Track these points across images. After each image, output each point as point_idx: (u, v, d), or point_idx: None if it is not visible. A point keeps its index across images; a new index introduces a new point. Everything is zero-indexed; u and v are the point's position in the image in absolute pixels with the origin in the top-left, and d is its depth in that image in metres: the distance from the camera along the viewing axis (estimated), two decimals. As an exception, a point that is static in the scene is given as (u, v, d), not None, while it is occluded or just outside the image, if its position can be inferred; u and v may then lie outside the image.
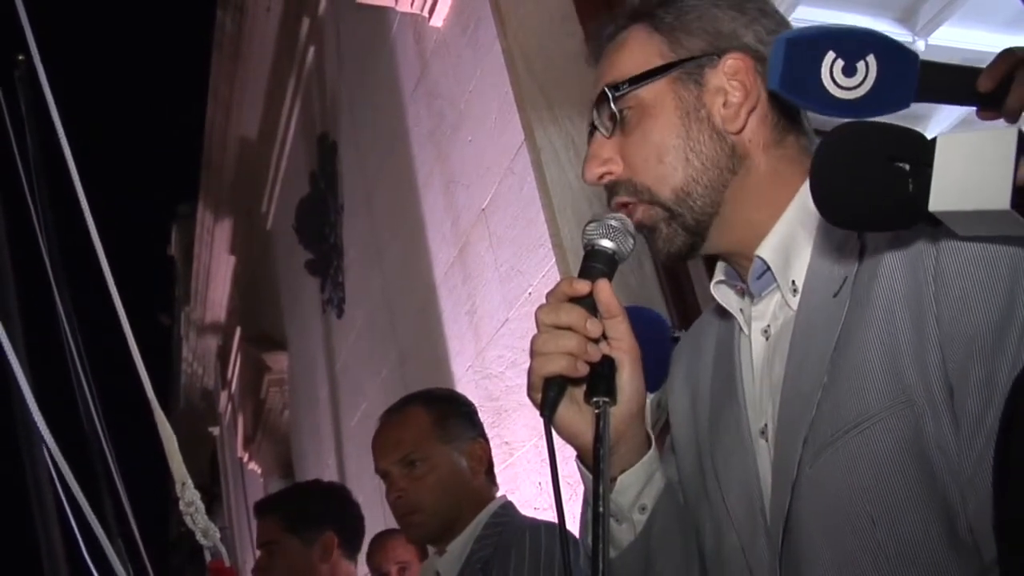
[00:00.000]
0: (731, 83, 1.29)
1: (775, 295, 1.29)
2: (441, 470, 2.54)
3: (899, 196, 1.01)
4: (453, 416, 2.64)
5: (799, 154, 1.31)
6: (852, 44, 1.17)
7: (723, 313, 1.40)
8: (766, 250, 1.28)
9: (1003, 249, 1.04)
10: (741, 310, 1.35)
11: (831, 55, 1.16)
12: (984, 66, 1.12)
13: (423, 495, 2.51)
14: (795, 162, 1.30)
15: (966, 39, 4.64)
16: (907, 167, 1.00)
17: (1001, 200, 0.94)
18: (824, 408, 1.15)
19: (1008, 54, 1.11)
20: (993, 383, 1.03)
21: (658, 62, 1.31)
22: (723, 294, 1.37)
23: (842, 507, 1.12)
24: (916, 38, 4.57)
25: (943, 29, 4.54)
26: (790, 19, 4.45)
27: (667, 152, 1.29)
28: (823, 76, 1.16)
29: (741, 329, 1.35)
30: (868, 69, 1.16)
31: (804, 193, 1.25)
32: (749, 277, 1.31)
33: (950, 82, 1.16)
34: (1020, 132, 0.95)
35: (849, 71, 1.16)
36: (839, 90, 1.15)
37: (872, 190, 1.02)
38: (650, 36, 1.34)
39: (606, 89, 1.32)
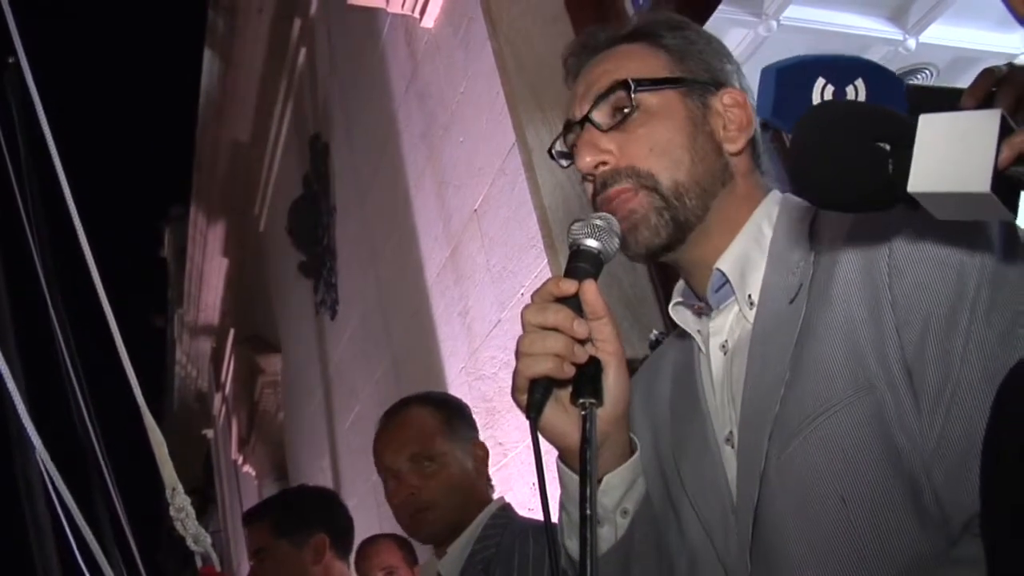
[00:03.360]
0: (728, 113, 1.36)
1: (732, 308, 1.33)
2: (451, 468, 2.53)
3: (878, 176, 0.99)
4: (457, 417, 2.65)
5: (760, 184, 1.40)
6: (841, 70, 1.19)
7: (681, 335, 1.43)
8: (724, 263, 1.32)
9: (954, 234, 1.11)
10: (699, 331, 1.38)
11: (821, 81, 1.18)
12: (978, 65, 1.14)
13: (435, 493, 2.50)
14: (759, 189, 1.39)
15: (957, 37, 4.64)
16: (887, 147, 0.99)
17: (981, 183, 0.92)
18: (789, 402, 1.19)
19: (988, 73, 1.12)
20: (949, 360, 1.09)
21: (667, 74, 1.36)
22: (681, 315, 1.41)
23: (813, 489, 1.15)
24: (907, 36, 4.57)
25: (934, 27, 4.54)
26: (781, 18, 4.42)
27: (674, 149, 1.33)
28: (815, 101, 1.17)
29: (700, 349, 1.38)
30: (857, 93, 1.17)
31: (758, 216, 1.35)
32: (708, 290, 1.35)
33: (935, 103, 1.16)
34: (1003, 115, 0.93)
35: (839, 96, 1.17)
36: None
37: (851, 170, 1.01)
38: (656, 51, 1.39)
39: (630, 81, 1.34)
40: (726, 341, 1.33)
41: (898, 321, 1.13)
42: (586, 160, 1.35)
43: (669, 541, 1.38)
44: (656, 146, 1.32)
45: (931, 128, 0.96)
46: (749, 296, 1.30)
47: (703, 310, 1.37)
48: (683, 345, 1.44)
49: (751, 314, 1.29)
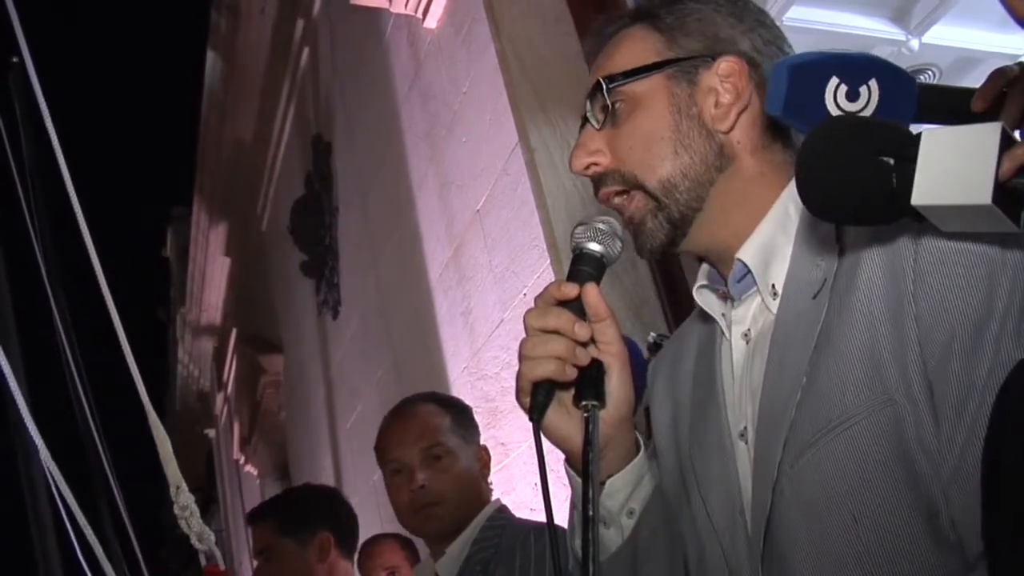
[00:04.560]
0: (723, 84, 1.31)
1: (755, 298, 1.30)
2: (461, 465, 2.54)
3: (882, 190, 1.00)
4: (465, 418, 2.66)
5: (785, 160, 1.33)
6: (855, 69, 1.19)
7: (705, 318, 1.40)
8: (747, 253, 1.28)
9: (982, 247, 1.05)
10: (723, 315, 1.35)
11: (835, 80, 1.18)
12: (981, 66, 1.14)
13: (447, 487, 2.49)
14: (780, 168, 1.32)
15: (959, 38, 4.65)
16: (891, 161, 1.00)
17: (983, 195, 0.94)
18: (804, 409, 1.15)
19: (999, 74, 1.12)
20: (972, 380, 1.04)
21: (654, 59, 1.33)
22: (705, 298, 1.38)
23: (824, 507, 1.12)
24: (910, 37, 4.58)
25: (936, 28, 4.55)
26: (784, 19, 4.41)
27: (656, 143, 1.31)
28: (827, 101, 1.17)
29: (723, 333, 1.35)
30: (871, 93, 1.17)
31: (785, 198, 1.28)
32: (730, 280, 1.32)
33: (946, 103, 1.17)
34: (1003, 128, 0.95)
35: (852, 96, 1.17)
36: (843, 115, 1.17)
37: (855, 183, 1.02)
38: (649, 34, 1.36)
39: (601, 80, 1.34)
40: (749, 330, 1.30)
41: (921, 332, 1.08)
42: (576, 163, 1.36)
43: (682, 527, 1.37)
44: (637, 142, 1.31)
45: (934, 142, 0.98)
46: (772, 286, 1.26)
47: (727, 294, 1.35)
48: (706, 328, 1.41)
49: (774, 304, 1.25)
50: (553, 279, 3.28)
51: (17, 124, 3.56)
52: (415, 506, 2.51)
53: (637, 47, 1.35)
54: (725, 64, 1.31)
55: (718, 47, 1.33)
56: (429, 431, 2.55)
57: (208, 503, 15.68)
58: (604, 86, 1.33)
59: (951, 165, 0.97)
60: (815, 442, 1.13)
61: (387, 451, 2.59)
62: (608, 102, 1.33)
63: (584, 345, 1.25)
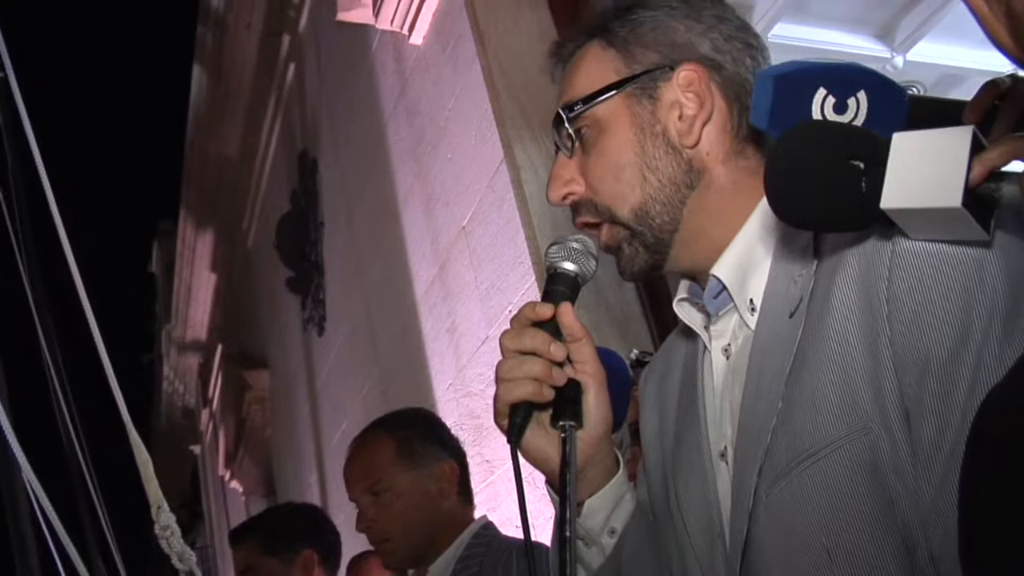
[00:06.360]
0: (686, 95, 1.26)
1: (734, 314, 1.25)
2: (406, 498, 2.51)
3: (851, 194, 0.98)
4: (417, 440, 2.59)
5: (760, 165, 1.25)
6: (843, 80, 1.16)
7: (688, 331, 1.36)
8: (722, 268, 1.24)
9: (957, 265, 1.00)
10: (705, 328, 1.30)
11: (822, 92, 1.15)
12: (965, 83, 1.12)
13: (390, 524, 2.50)
14: (756, 173, 1.24)
15: (944, 55, 4.66)
16: (861, 165, 0.98)
17: (953, 198, 0.92)
18: (779, 435, 1.11)
19: (991, 86, 1.10)
20: (949, 406, 0.98)
21: (613, 78, 1.28)
22: (686, 312, 1.33)
23: (798, 540, 1.08)
24: (894, 54, 4.58)
25: (921, 45, 4.56)
26: (769, 36, 4.40)
27: (623, 170, 1.27)
28: (814, 113, 1.14)
29: (706, 347, 1.31)
30: (859, 105, 1.15)
31: (764, 207, 1.20)
32: (705, 296, 1.28)
33: (937, 116, 1.15)
34: (974, 131, 0.93)
35: (840, 108, 1.15)
36: None
37: (824, 187, 1.00)
38: (604, 51, 1.31)
39: (560, 111, 1.30)
40: (729, 345, 1.26)
41: (895, 356, 1.02)
42: (552, 195, 1.32)
43: (667, 537, 1.35)
44: (607, 171, 1.27)
45: (904, 146, 0.96)
46: (751, 301, 1.21)
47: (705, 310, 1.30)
48: (691, 341, 1.37)
49: (753, 320, 1.20)
50: (539, 295, 3.28)
51: (1, 139, 3.54)
52: (371, 542, 2.58)
53: (594, 68, 1.30)
54: (684, 73, 1.26)
55: (676, 55, 1.27)
56: (369, 470, 2.56)
57: (194, 519, 15.61)
58: (564, 116, 1.29)
59: (921, 168, 0.94)
60: (789, 471, 1.09)
61: (346, 488, 2.64)
62: (571, 131, 1.29)
63: (560, 365, 1.24)
